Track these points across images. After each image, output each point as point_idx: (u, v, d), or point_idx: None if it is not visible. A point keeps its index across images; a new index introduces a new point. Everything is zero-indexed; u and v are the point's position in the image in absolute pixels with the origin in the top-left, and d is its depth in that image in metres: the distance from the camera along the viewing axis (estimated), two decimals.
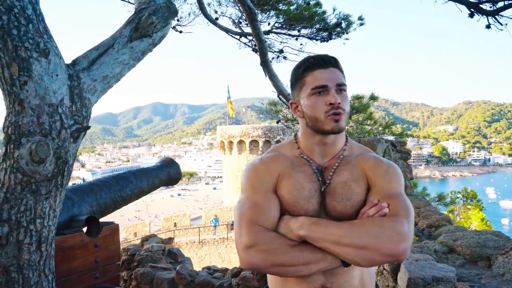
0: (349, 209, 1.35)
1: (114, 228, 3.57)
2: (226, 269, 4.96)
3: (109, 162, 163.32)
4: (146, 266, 5.14)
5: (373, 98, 9.52)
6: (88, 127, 2.19)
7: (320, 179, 1.39)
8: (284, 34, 6.97)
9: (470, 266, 2.88)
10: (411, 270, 2.41)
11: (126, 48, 2.33)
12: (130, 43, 2.34)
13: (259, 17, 6.17)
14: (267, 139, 29.67)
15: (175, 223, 26.27)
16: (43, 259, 2.21)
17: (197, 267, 13.51)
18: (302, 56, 6.70)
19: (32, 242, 2.12)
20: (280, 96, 6.10)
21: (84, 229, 3.24)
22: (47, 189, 2.08)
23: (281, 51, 6.92)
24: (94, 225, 3.28)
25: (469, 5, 3.95)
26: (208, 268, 5.16)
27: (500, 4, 3.82)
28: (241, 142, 29.95)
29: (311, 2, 6.71)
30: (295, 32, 6.85)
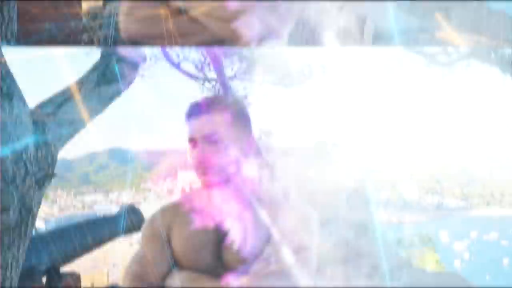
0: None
1: (76, 278, 3.41)
2: None
3: (63, 210, 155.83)
4: None
5: None
6: (54, 175, 2.14)
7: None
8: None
9: None
10: None
11: (93, 93, 2.33)
12: (97, 88, 2.35)
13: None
14: None
15: None
16: None
17: None
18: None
19: None
20: None
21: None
22: (10, 239, 1.99)
23: (245, 97, 6.99)
24: (55, 275, 3.13)
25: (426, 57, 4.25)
26: None
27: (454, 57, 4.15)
28: None
29: None
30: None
